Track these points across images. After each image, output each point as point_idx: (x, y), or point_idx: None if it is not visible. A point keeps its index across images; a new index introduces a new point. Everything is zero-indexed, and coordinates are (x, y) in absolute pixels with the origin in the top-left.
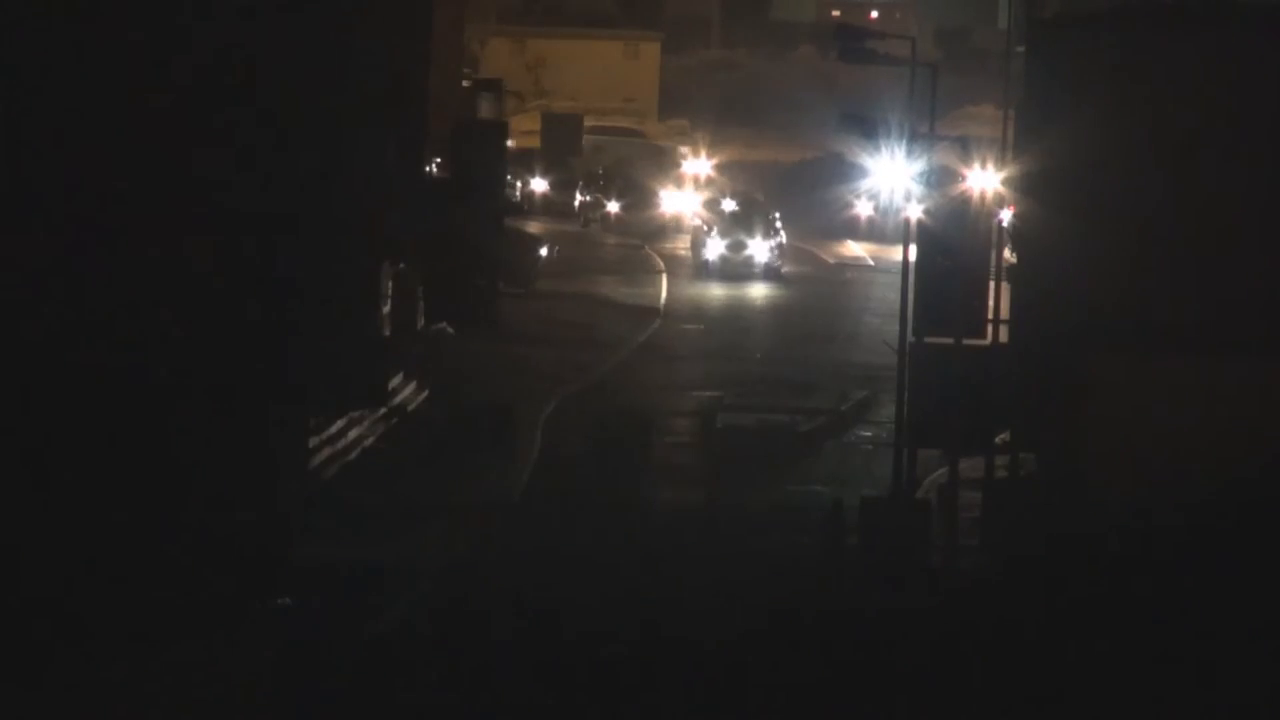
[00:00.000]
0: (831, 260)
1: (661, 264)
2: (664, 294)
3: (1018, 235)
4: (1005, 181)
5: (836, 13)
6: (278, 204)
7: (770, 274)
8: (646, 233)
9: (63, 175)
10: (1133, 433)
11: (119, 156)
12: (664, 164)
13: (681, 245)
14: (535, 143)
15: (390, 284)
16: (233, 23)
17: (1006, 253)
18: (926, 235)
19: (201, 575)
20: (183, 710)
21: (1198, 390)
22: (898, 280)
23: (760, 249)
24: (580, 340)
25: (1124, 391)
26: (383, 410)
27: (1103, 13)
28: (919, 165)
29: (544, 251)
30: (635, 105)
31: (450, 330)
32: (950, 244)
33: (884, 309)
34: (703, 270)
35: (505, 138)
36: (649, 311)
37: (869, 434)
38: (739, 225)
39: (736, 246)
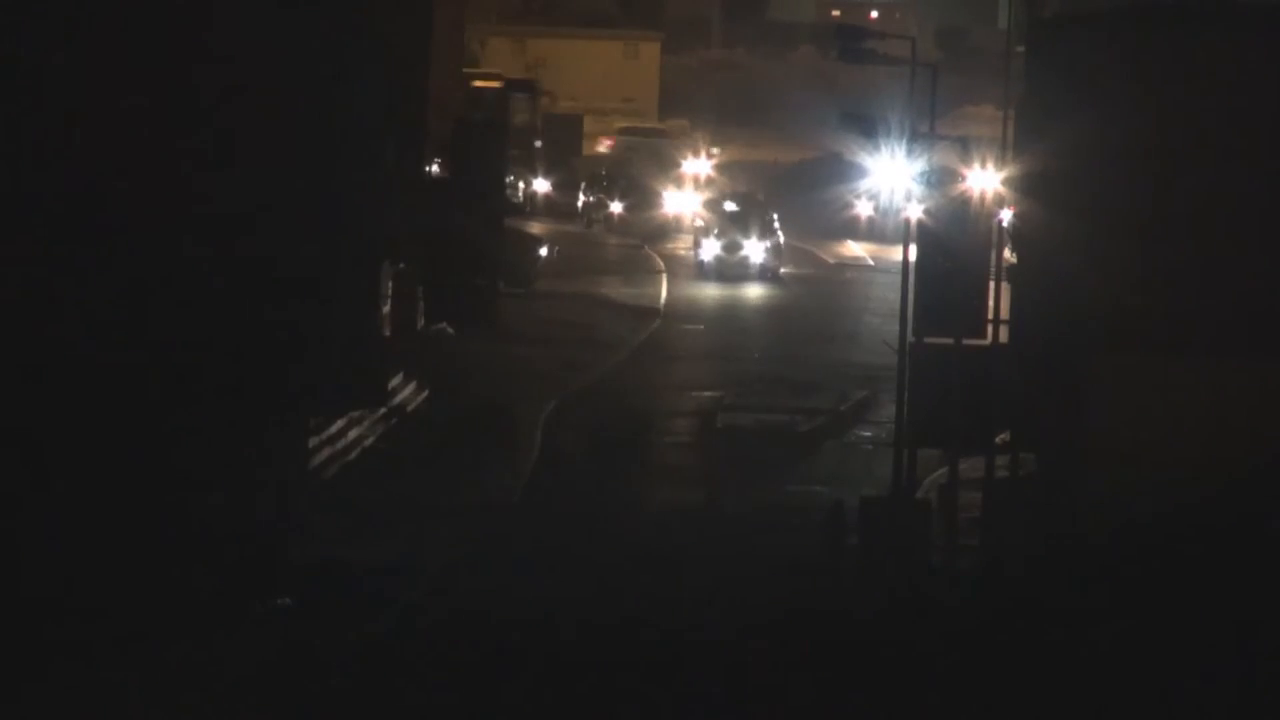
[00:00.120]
0: (831, 260)
1: (661, 264)
2: (664, 294)
3: (1018, 235)
4: (1005, 181)
5: (836, 13)
6: (278, 204)
7: (766, 275)
8: (648, 233)
9: (62, 176)
10: (1133, 433)
11: (118, 157)
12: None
13: (683, 245)
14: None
15: (390, 284)
16: (233, 23)
17: (1006, 253)
18: (926, 235)
19: (201, 575)
20: (182, 710)
21: (1198, 390)
22: (898, 280)
23: (756, 250)
24: (580, 340)
25: (1124, 391)
26: (383, 410)
27: (1103, 13)
28: (919, 165)
29: (544, 251)
30: (635, 105)
31: (450, 330)
32: (950, 244)
33: (884, 309)
34: (698, 271)
35: (507, 138)
36: (649, 312)
37: (869, 434)
38: (735, 226)
39: (732, 247)
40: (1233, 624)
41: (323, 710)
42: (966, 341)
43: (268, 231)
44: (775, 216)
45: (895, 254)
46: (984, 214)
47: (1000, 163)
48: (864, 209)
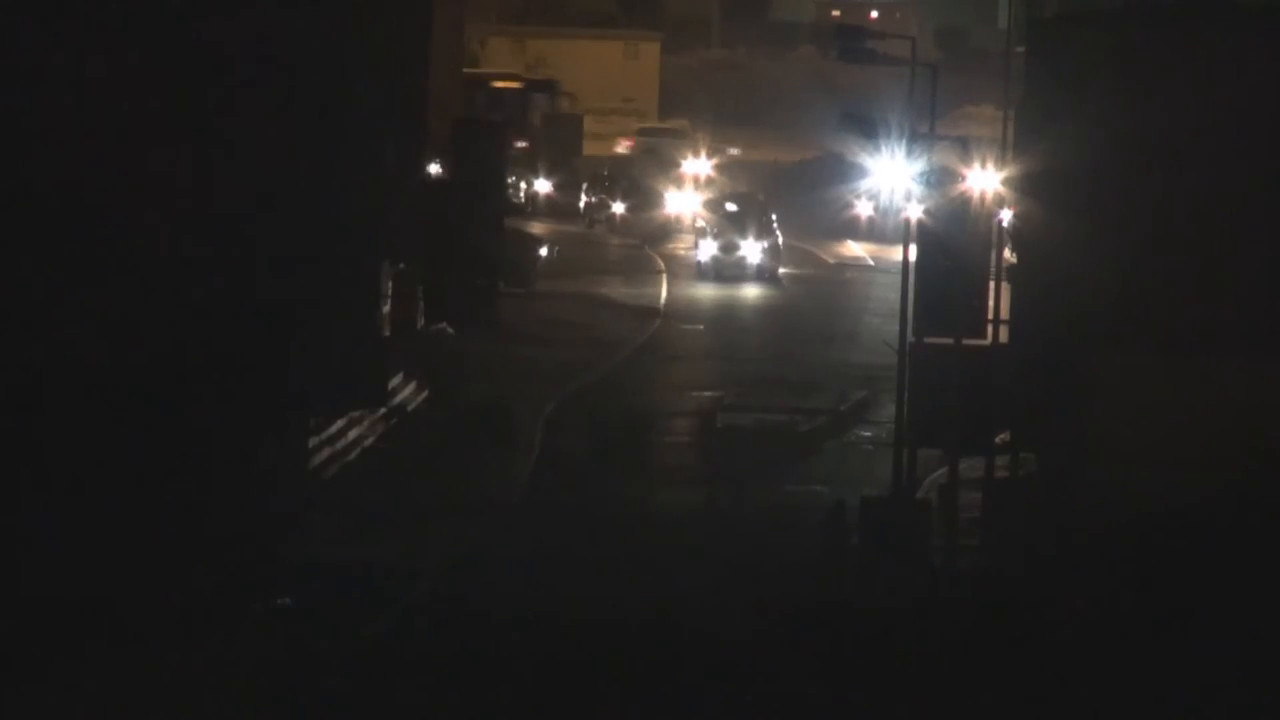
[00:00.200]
0: (831, 260)
1: (662, 265)
2: (664, 294)
3: (1018, 235)
4: (1005, 181)
5: (836, 13)
6: (278, 204)
7: (763, 275)
8: (649, 234)
9: (62, 177)
10: (1133, 432)
11: (118, 157)
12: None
13: (683, 246)
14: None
15: (390, 284)
16: (233, 23)
17: (1006, 253)
18: (926, 235)
19: (201, 575)
20: (182, 710)
21: (1198, 390)
22: (898, 280)
23: (753, 250)
24: (580, 340)
25: (1124, 391)
26: (383, 410)
27: (1103, 13)
28: (919, 165)
29: (544, 251)
30: (635, 105)
31: (450, 330)
32: (950, 244)
33: (884, 309)
34: (696, 271)
35: (508, 138)
36: (649, 311)
37: (869, 434)
38: (733, 226)
39: (729, 248)
40: (1233, 623)
41: (322, 710)
42: (966, 341)
43: (267, 231)
44: (774, 217)
45: (895, 254)
46: (984, 214)
47: (1000, 163)
48: (864, 209)
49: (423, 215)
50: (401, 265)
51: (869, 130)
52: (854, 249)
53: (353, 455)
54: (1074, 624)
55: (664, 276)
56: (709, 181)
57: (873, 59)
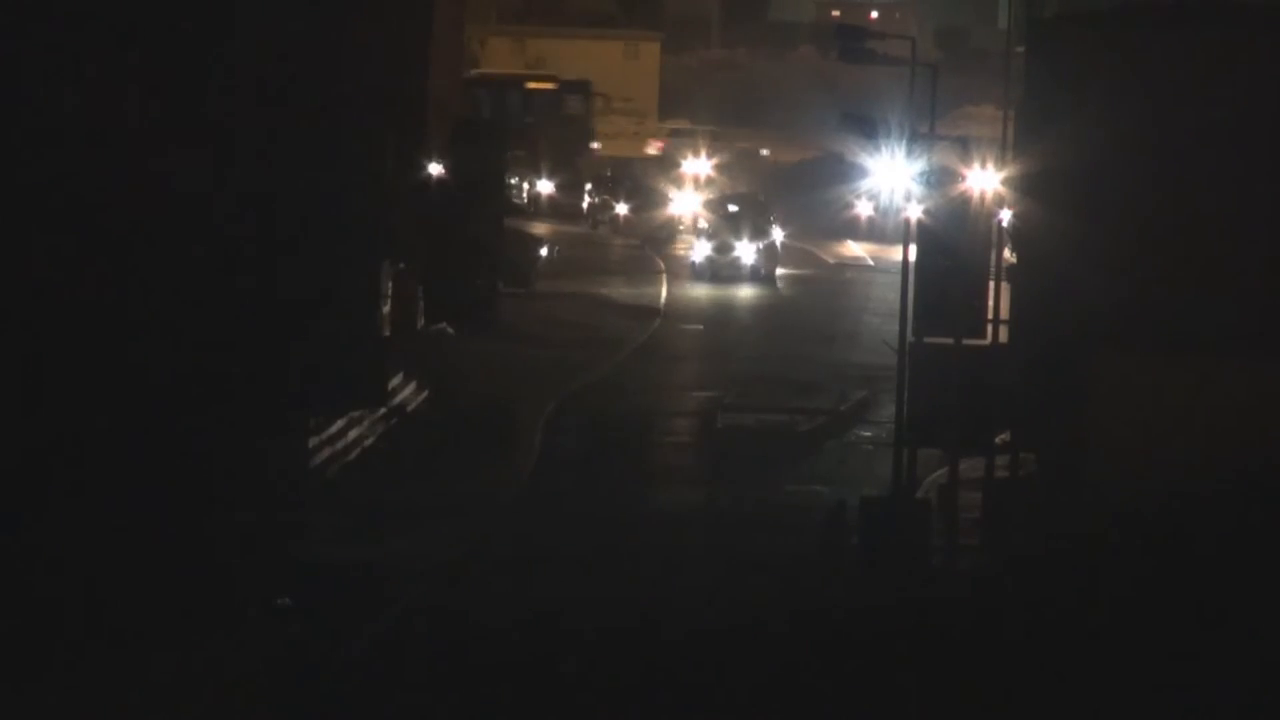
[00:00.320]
0: (831, 260)
1: (662, 265)
2: (664, 294)
3: (1018, 235)
4: (1005, 181)
5: (836, 13)
6: (278, 204)
7: (757, 276)
8: (650, 234)
9: (62, 177)
10: (1133, 432)
11: (118, 158)
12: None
13: (684, 246)
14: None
15: (390, 284)
16: (233, 24)
17: (1006, 253)
18: (926, 235)
19: (201, 575)
20: (182, 710)
21: (1198, 390)
22: (898, 280)
23: (748, 251)
24: (580, 340)
25: (1124, 391)
26: (383, 410)
27: (1103, 13)
28: (919, 165)
29: (544, 251)
30: (635, 105)
31: (450, 330)
32: (950, 244)
33: (884, 309)
34: (691, 272)
35: (509, 138)
36: (649, 311)
37: (869, 434)
38: (728, 227)
39: (723, 249)
40: (1233, 623)
41: (323, 710)
42: (966, 341)
43: (268, 232)
44: (773, 217)
45: (895, 254)
46: (984, 214)
47: (1000, 163)
48: (864, 209)
49: (423, 215)
50: (401, 265)
51: (869, 130)
52: (854, 249)
53: (353, 455)
54: (1073, 624)
55: (664, 277)
56: (709, 182)
57: (873, 59)
